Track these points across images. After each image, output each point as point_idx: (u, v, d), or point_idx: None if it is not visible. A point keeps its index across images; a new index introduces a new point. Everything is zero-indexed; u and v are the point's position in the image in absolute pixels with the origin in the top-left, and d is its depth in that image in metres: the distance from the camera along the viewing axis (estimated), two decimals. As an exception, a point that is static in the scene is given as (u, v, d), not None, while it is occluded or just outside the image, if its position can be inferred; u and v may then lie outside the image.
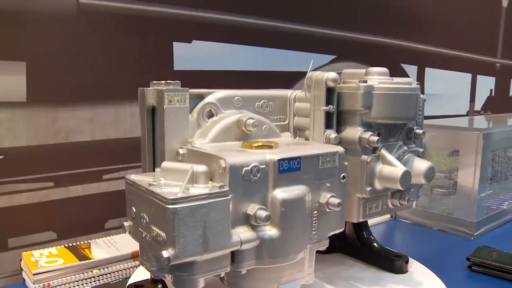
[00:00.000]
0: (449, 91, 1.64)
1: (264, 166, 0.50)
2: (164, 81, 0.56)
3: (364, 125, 0.63)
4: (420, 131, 0.68)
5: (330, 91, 0.62)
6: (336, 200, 0.54)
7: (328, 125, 0.62)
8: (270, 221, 0.50)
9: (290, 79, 1.12)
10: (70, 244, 0.80)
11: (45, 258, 0.74)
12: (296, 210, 0.52)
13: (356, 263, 0.79)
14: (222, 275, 0.51)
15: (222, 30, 1.02)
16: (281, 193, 0.51)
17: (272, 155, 0.51)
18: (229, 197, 0.47)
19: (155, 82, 0.57)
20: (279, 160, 0.51)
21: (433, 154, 1.07)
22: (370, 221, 1.04)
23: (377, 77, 0.64)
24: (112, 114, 0.88)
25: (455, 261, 0.84)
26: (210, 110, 0.59)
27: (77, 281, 0.72)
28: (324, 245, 0.57)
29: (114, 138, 0.89)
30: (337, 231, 0.58)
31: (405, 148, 0.67)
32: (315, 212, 0.55)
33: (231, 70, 1.04)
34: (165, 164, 0.51)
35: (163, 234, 0.44)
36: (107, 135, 0.88)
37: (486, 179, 1.00)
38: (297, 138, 0.66)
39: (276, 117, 0.66)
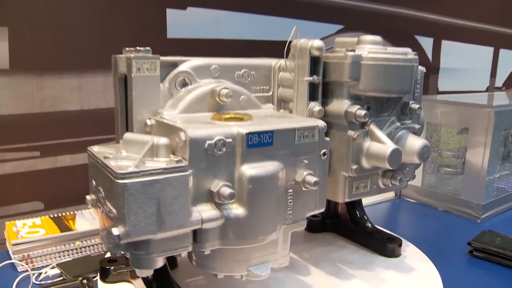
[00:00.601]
0: (468, 66, 1.54)
1: (230, 140, 0.46)
2: (134, 48, 0.52)
3: (352, 98, 0.58)
4: (416, 106, 0.63)
5: (315, 61, 0.57)
6: (312, 179, 0.50)
7: (312, 97, 0.57)
8: (237, 199, 0.47)
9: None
10: (56, 215, 0.79)
11: (27, 229, 0.73)
12: (267, 188, 0.48)
13: (348, 244, 0.75)
14: (183, 255, 0.48)
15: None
16: (249, 169, 0.47)
17: (241, 128, 0.47)
18: (188, 172, 0.43)
19: (128, 49, 0.53)
20: (248, 133, 0.47)
21: (442, 131, 1.01)
22: (372, 199, 1.01)
23: (369, 46, 0.59)
24: (101, 83, 0.85)
25: (456, 245, 0.79)
26: (184, 79, 0.55)
27: (58, 252, 0.70)
28: (301, 226, 0.54)
29: (103, 108, 0.86)
30: (316, 212, 0.55)
31: (398, 124, 0.62)
32: (290, 190, 0.51)
33: (228, 39, 0.99)
34: (126, 135, 0.48)
35: (114, 210, 0.42)
36: (96, 104, 0.86)
37: (496, 159, 0.94)
38: (281, 110, 0.62)
39: (259, 87, 0.61)
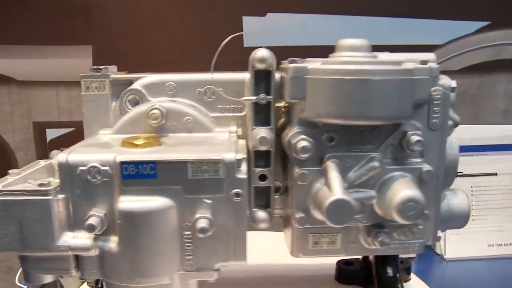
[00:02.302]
0: None
1: (107, 168, 0.43)
2: (95, 67, 0.54)
3: (304, 125, 0.44)
4: (415, 139, 0.43)
5: (261, 75, 0.46)
6: (201, 224, 0.41)
7: (260, 121, 0.47)
8: (114, 233, 0.43)
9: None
10: None
11: None
12: (144, 226, 0.42)
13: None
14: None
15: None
16: (122, 203, 0.42)
17: (117, 156, 0.43)
18: (51, 197, 0.42)
19: (93, 67, 0.55)
20: (121, 162, 0.42)
21: None
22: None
23: (349, 54, 0.44)
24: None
25: None
26: (135, 97, 0.54)
27: None
28: (209, 276, 0.45)
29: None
30: (232, 263, 0.45)
31: (376, 164, 0.44)
32: (188, 233, 0.43)
33: (317, 45, 0.89)
34: (51, 153, 0.50)
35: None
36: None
37: None
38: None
39: (228, 106, 0.54)
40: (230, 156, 0.43)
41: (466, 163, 0.78)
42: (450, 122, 0.47)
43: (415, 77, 0.42)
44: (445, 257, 0.79)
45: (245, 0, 0.89)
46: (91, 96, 0.53)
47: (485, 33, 0.90)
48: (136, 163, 0.42)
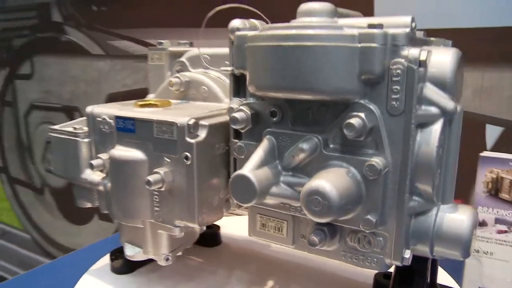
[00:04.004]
0: None
1: (112, 121, 0.51)
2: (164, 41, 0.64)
3: (253, 97, 0.42)
4: (349, 122, 0.34)
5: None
6: (148, 177, 0.45)
7: (238, 93, 0.46)
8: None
9: None
10: None
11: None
12: (123, 172, 0.49)
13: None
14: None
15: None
16: (114, 151, 0.50)
17: (116, 112, 0.51)
18: (78, 138, 0.54)
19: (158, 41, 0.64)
20: (116, 117, 0.50)
21: None
22: None
23: (303, 19, 0.39)
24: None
25: None
26: (181, 68, 0.60)
27: None
28: (170, 231, 0.48)
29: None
30: (185, 224, 0.47)
31: (306, 146, 0.37)
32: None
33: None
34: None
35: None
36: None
37: None
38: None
39: (248, 80, 0.54)
40: (182, 120, 0.45)
41: None
42: (433, 109, 0.35)
43: (359, 45, 0.34)
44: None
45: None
46: (153, 66, 0.63)
47: None
48: (124, 119, 0.49)
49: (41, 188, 1.67)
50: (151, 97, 0.61)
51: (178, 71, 0.60)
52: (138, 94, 0.62)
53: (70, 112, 1.51)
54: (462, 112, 0.37)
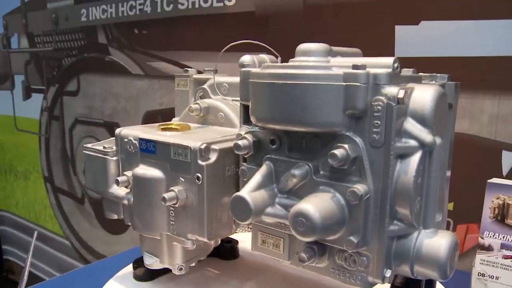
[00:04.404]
0: None
1: (136, 142, 0.57)
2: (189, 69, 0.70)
3: (258, 126, 0.47)
4: (332, 152, 0.38)
5: (247, 79, 0.51)
6: (170, 194, 0.51)
7: (246, 120, 0.51)
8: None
9: None
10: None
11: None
12: (144, 189, 0.55)
13: None
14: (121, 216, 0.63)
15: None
16: (137, 169, 0.56)
17: (140, 134, 0.57)
18: (107, 157, 0.61)
19: (184, 69, 0.70)
20: (140, 139, 0.56)
21: None
22: None
23: (299, 59, 0.44)
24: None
25: None
26: (203, 94, 0.66)
27: None
28: (184, 243, 0.53)
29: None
30: (196, 238, 0.52)
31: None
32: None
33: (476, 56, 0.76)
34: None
35: (93, 170, 0.67)
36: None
37: None
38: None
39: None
40: (195, 144, 0.50)
41: None
42: (412, 142, 0.38)
43: (344, 83, 0.38)
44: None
45: (397, 8, 0.84)
46: (179, 91, 0.69)
47: None
48: (146, 141, 0.55)
49: (82, 198, 1.78)
50: (175, 120, 0.68)
51: (200, 97, 0.66)
52: (173, 113, 0.69)
53: (111, 127, 1.61)
54: (451, 143, 0.41)
